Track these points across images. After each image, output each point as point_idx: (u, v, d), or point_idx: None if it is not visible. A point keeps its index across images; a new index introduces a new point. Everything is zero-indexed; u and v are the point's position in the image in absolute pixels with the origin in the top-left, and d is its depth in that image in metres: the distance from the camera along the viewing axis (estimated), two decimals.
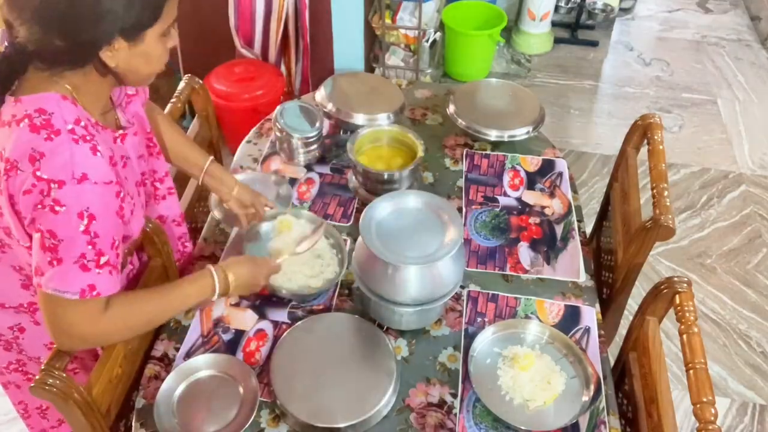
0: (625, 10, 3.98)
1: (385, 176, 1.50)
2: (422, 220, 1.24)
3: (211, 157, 1.40)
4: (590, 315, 1.34)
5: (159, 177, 1.30)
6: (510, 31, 3.61)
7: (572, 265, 1.43)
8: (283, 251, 1.31)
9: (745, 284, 2.43)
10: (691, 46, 3.78)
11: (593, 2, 3.70)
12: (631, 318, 1.31)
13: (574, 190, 1.62)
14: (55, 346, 1.05)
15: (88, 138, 0.97)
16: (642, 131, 1.54)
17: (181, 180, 1.52)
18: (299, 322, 1.27)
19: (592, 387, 1.19)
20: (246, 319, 1.31)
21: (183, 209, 1.64)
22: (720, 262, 2.52)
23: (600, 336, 1.30)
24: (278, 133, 1.62)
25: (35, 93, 0.97)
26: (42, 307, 1.02)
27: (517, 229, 1.51)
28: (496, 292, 1.37)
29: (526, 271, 1.42)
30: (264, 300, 1.35)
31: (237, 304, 1.34)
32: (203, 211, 1.75)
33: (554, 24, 3.65)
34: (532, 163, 1.69)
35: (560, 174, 1.66)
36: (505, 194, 1.60)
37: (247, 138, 1.77)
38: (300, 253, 1.32)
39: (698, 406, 1.02)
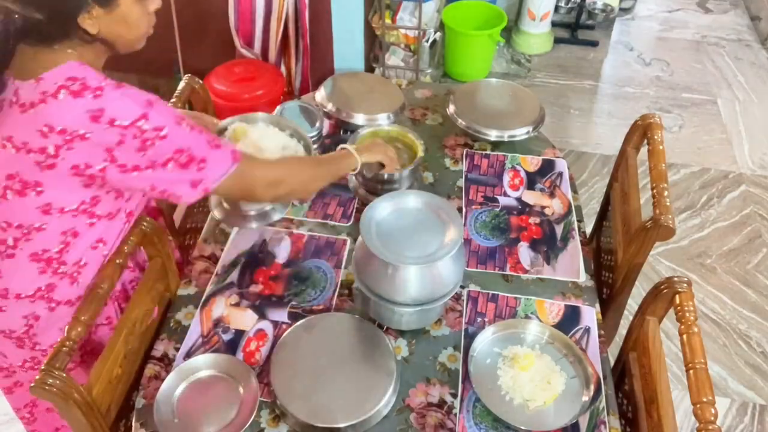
0: (625, 10, 3.98)
1: (385, 176, 1.50)
2: (422, 220, 1.24)
3: None
4: (590, 315, 1.34)
5: None
6: (510, 31, 3.61)
7: (572, 265, 1.43)
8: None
9: (745, 284, 2.43)
10: (691, 46, 3.78)
11: (593, 2, 3.69)
12: (631, 318, 1.31)
13: (574, 190, 1.62)
14: (55, 346, 1.05)
15: (122, 84, 1.03)
16: (642, 131, 1.54)
17: None
18: (299, 322, 1.27)
19: (592, 387, 1.19)
20: (246, 319, 1.31)
21: (183, 209, 1.65)
22: (720, 262, 2.52)
23: (600, 336, 1.30)
24: None
25: (51, 69, 1.00)
26: (230, 196, 1.26)
27: (517, 229, 1.52)
28: (496, 292, 1.37)
29: (526, 271, 1.42)
30: (264, 300, 1.35)
31: (237, 304, 1.34)
32: (203, 211, 1.75)
33: (554, 24, 3.65)
34: (532, 163, 1.69)
35: (560, 174, 1.66)
36: (505, 194, 1.60)
37: None
38: None
39: (698, 406, 1.02)
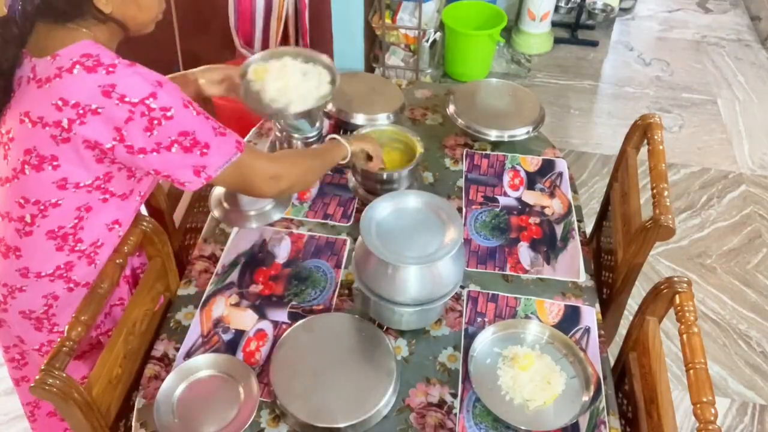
0: (625, 10, 3.98)
1: (385, 176, 1.50)
2: (422, 220, 1.24)
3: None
4: (590, 315, 1.34)
5: None
6: (510, 31, 3.61)
7: (572, 265, 1.43)
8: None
9: (745, 284, 2.43)
10: (691, 46, 3.78)
11: (593, 2, 3.70)
12: (631, 318, 1.31)
13: (574, 190, 1.62)
14: (55, 346, 1.05)
15: (134, 63, 1.06)
16: (642, 131, 1.54)
17: None
18: (299, 322, 1.27)
19: (592, 387, 1.19)
20: (246, 319, 1.31)
21: (183, 209, 1.65)
22: (720, 262, 2.52)
23: (600, 336, 1.30)
24: (278, 133, 1.61)
25: (67, 46, 1.04)
26: (231, 187, 1.27)
27: (517, 229, 1.51)
28: (496, 292, 1.37)
29: (526, 271, 1.42)
30: (264, 300, 1.35)
31: (237, 304, 1.34)
32: (203, 211, 1.75)
33: (554, 24, 3.65)
34: (532, 163, 1.69)
35: (560, 174, 1.66)
36: (505, 194, 1.60)
37: (246, 138, 1.77)
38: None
39: (698, 406, 1.02)
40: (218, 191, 1.52)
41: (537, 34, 3.56)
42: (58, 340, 1.07)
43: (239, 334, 1.29)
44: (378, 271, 1.20)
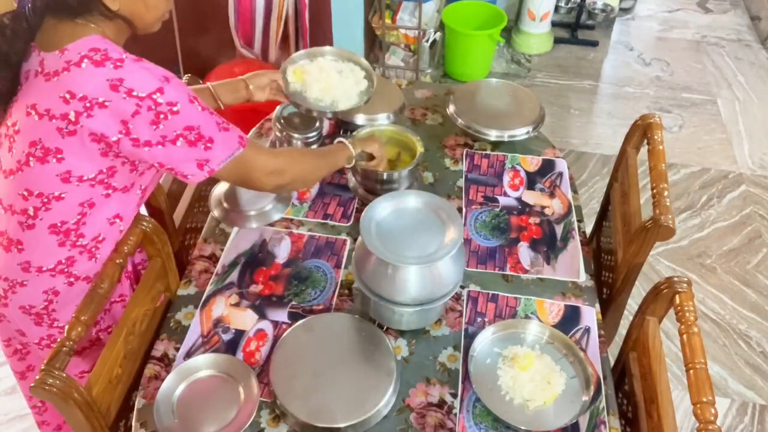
0: (625, 10, 3.98)
1: (385, 176, 1.50)
2: (422, 220, 1.24)
3: (208, 84, 1.46)
4: (590, 315, 1.34)
5: None
6: (510, 31, 3.61)
7: (572, 265, 1.43)
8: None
9: (745, 284, 2.43)
10: (691, 46, 3.78)
11: (593, 2, 3.70)
12: (631, 318, 1.31)
13: (574, 190, 1.62)
14: (55, 346, 1.05)
15: (141, 58, 1.08)
16: (642, 131, 1.54)
17: (179, 180, 1.52)
18: (299, 322, 1.27)
19: (592, 387, 1.19)
20: (246, 319, 1.31)
21: (183, 209, 1.65)
22: (720, 262, 2.52)
23: (600, 336, 1.30)
24: (278, 133, 1.62)
25: (76, 40, 1.05)
26: (232, 180, 1.27)
27: (517, 229, 1.51)
28: (496, 292, 1.37)
29: (526, 271, 1.42)
30: (264, 300, 1.35)
31: (237, 304, 1.34)
32: (203, 211, 1.75)
33: (554, 24, 3.65)
34: (532, 163, 1.69)
35: (560, 174, 1.66)
36: (505, 194, 1.60)
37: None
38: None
39: (698, 406, 1.02)
40: (218, 191, 1.53)
41: (537, 34, 3.56)
42: (59, 339, 1.07)
43: (239, 334, 1.29)
44: (378, 271, 1.20)
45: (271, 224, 1.50)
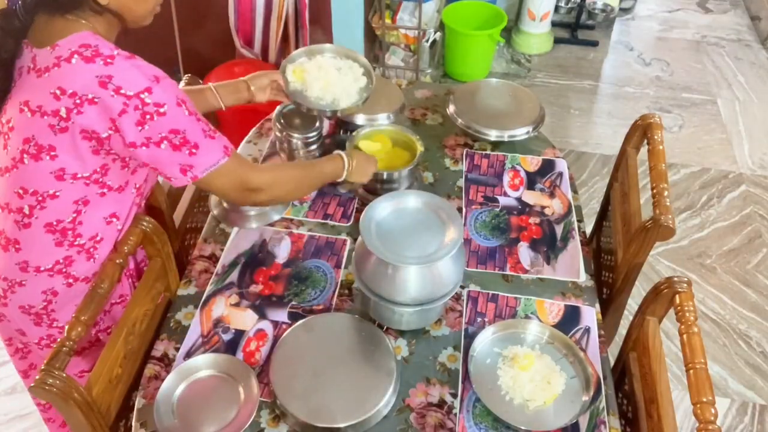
0: (625, 10, 3.99)
1: (385, 176, 1.50)
2: (422, 220, 1.24)
3: (210, 85, 1.46)
4: (590, 315, 1.34)
5: None
6: (510, 31, 3.61)
7: (572, 265, 1.43)
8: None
9: (745, 284, 2.44)
10: (691, 46, 3.78)
11: (593, 2, 3.70)
12: (631, 318, 1.31)
13: (574, 190, 1.62)
14: (55, 346, 1.05)
15: (133, 56, 1.08)
16: (642, 131, 1.54)
17: None
18: (299, 322, 1.27)
19: (592, 387, 1.19)
20: (246, 319, 1.31)
21: (183, 209, 1.65)
22: (720, 262, 2.52)
23: (600, 336, 1.30)
24: (278, 133, 1.61)
25: (66, 36, 1.05)
26: (215, 191, 1.25)
27: (517, 229, 1.51)
28: (496, 292, 1.37)
29: (526, 271, 1.42)
30: (264, 300, 1.35)
31: (237, 304, 1.34)
32: (203, 211, 1.75)
33: (554, 24, 3.65)
34: (532, 163, 1.69)
35: (560, 174, 1.66)
36: (505, 194, 1.60)
37: (247, 138, 1.77)
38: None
39: (698, 406, 1.02)
40: None
41: (537, 34, 3.56)
42: (58, 339, 1.07)
43: (239, 334, 1.29)
44: (378, 271, 1.20)
45: (271, 224, 1.50)
